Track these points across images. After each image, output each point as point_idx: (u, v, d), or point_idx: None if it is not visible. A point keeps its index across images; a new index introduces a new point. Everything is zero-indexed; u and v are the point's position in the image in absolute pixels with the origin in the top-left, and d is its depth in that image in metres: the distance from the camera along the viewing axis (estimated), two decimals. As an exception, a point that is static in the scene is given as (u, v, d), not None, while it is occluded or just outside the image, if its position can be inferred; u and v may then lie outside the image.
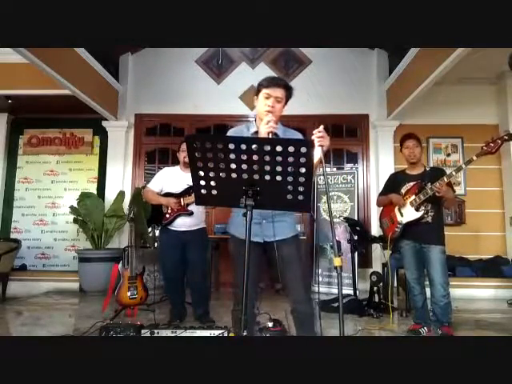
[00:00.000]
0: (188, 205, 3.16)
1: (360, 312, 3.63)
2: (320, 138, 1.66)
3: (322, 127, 1.70)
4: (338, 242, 1.57)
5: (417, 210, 2.90)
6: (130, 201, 4.84)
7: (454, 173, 2.78)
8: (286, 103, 1.91)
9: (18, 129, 5.90)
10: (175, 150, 3.34)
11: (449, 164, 5.29)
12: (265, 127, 1.72)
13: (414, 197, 2.91)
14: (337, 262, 1.53)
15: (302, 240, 2.01)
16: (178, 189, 3.21)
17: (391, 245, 3.18)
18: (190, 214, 3.16)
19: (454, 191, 3.03)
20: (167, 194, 3.22)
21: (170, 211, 3.18)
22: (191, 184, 3.09)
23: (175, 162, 3.35)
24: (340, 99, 5.45)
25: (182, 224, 3.17)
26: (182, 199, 3.17)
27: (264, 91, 1.86)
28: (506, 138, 2.63)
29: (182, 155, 3.22)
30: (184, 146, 3.20)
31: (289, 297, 1.93)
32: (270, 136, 1.72)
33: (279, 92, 1.85)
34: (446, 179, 2.75)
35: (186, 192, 3.18)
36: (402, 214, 2.99)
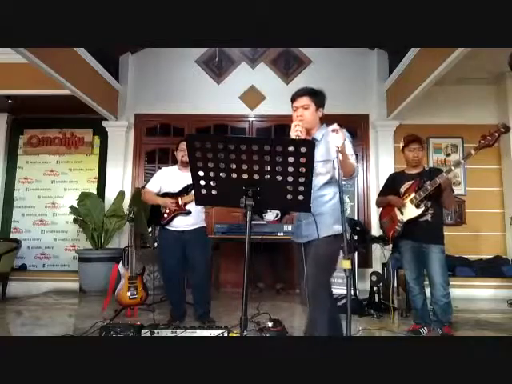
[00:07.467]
0: (186, 204, 3.15)
1: (360, 312, 3.63)
2: (333, 138, 1.66)
3: (335, 125, 1.71)
4: (349, 243, 1.52)
5: (417, 206, 2.89)
6: (129, 201, 4.85)
7: (453, 167, 2.79)
8: (319, 106, 2.01)
9: (18, 129, 5.89)
10: (175, 149, 3.33)
11: (449, 164, 5.27)
12: (292, 132, 1.82)
13: (413, 194, 2.90)
14: (346, 264, 1.48)
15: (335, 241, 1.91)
16: (175, 188, 3.20)
17: (392, 243, 3.17)
18: (188, 213, 3.15)
19: (453, 191, 3.03)
20: (165, 194, 3.21)
21: (167, 211, 3.17)
22: (189, 183, 3.12)
23: (175, 161, 3.35)
24: (340, 99, 5.43)
25: (180, 224, 3.16)
26: (179, 198, 3.16)
27: (292, 105, 2.01)
28: (503, 130, 2.62)
29: (180, 154, 3.22)
30: (182, 145, 3.18)
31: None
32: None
33: (302, 101, 1.98)
34: (445, 174, 2.75)
35: (183, 191, 3.17)
36: (402, 213, 2.98)
